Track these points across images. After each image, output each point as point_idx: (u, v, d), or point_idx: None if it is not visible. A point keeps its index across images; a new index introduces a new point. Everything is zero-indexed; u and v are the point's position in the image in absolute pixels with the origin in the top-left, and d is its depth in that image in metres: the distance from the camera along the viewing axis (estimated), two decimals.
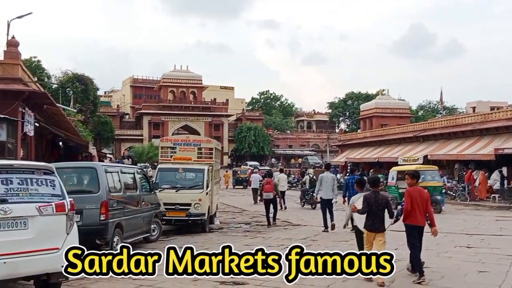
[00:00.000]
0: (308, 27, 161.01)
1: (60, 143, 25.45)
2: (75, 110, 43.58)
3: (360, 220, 7.89)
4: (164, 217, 13.24)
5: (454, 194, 25.44)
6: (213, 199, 14.85)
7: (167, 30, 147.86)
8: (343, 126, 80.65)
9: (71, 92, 58.41)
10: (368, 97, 70.24)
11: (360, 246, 8.23)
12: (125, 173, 10.60)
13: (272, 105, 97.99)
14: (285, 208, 19.99)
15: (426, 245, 10.81)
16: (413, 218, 7.37)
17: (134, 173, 11.06)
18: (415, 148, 35.51)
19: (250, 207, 22.31)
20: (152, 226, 11.94)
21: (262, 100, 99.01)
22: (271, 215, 15.42)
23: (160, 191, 13.45)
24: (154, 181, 13.86)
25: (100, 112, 64.20)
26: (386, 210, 7.51)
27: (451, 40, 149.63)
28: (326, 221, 13.29)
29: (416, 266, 7.41)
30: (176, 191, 13.55)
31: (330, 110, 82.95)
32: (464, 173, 27.04)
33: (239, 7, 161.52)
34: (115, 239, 9.55)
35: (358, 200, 8.04)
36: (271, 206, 15.43)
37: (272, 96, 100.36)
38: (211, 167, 14.60)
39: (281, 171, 25.18)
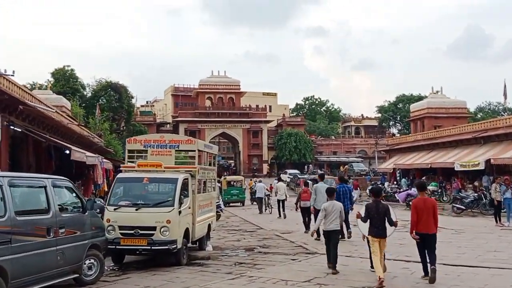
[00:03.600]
0: (358, 33, 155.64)
1: (67, 151, 22.61)
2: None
3: (363, 227, 8.38)
4: (117, 247, 9.63)
5: None
6: (196, 219, 11.11)
7: (216, 42, 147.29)
8: (394, 131, 74.97)
9: (105, 100, 57.03)
10: (420, 99, 64.29)
11: (328, 248, 9.08)
12: (19, 186, 7.03)
13: (317, 110, 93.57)
14: (285, 216, 20.38)
15: None
16: (420, 226, 7.98)
17: (44, 187, 7.44)
18: (474, 152, 30.37)
19: (269, 224, 18.43)
20: (88, 262, 8.35)
21: (307, 106, 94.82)
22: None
23: (115, 209, 9.92)
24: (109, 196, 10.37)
25: (136, 121, 62.35)
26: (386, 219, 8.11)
27: (511, 40, 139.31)
28: (318, 230, 11.87)
29: (423, 267, 8.17)
30: (137, 210, 9.89)
31: (379, 115, 77.48)
32: None
33: (286, 16, 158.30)
34: None
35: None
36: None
37: (317, 102, 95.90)
38: (191, 176, 10.89)
39: (279, 179, 25.31)
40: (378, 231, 8.03)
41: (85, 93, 56.43)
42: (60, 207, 7.71)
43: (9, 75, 13.73)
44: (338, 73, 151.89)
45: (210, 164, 13.05)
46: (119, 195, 10.24)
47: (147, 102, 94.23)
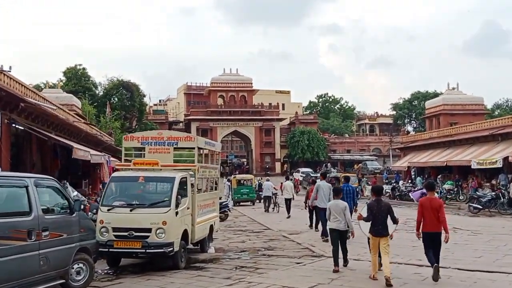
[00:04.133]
0: (373, 31, 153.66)
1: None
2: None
3: (365, 227, 8.38)
4: (110, 250, 9.14)
5: None
6: (196, 220, 10.57)
7: (230, 40, 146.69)
8: (409, 128, 73.57)
9: (116, 99, 56.93)
10: (436, 96, 62.87)
11: (336, 249, 9.01)
12: None
13: (331, 108, 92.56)
14: (289, 216, 20.24)
15: None
16: (425, 225, 8.01)
17: (26, 187, 6.95)
18: (492, 149, 29.42)
19: (277, 225, 17.82)
20: (76, 266, 7.86)
21: (321, 104, 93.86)
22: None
23: (109, 210, 9.43)
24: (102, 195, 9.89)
25: (148, 119, 62.20)
26: (389, 216, 8.17)
27: None
28: (325, 230, 12.11)
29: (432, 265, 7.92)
30: (131, 211, 9.38)
31: (394, 112, 76.22)
32: None
33: (301, 14, 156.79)
34: None
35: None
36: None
37: (331, 99, 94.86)
38: (190, 174, 10.35)
39: (287, 178, 26.18)
40: (378, 230, 8.08)
41: (97, 91, 56.35)
42: (44, 208, 7.23)
43: (5, 71, 13.31)
44: (352, 71, 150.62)
45: (212, 162, 12.49)
46: (113, 195, 9.76)
47: (160, 100, 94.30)
